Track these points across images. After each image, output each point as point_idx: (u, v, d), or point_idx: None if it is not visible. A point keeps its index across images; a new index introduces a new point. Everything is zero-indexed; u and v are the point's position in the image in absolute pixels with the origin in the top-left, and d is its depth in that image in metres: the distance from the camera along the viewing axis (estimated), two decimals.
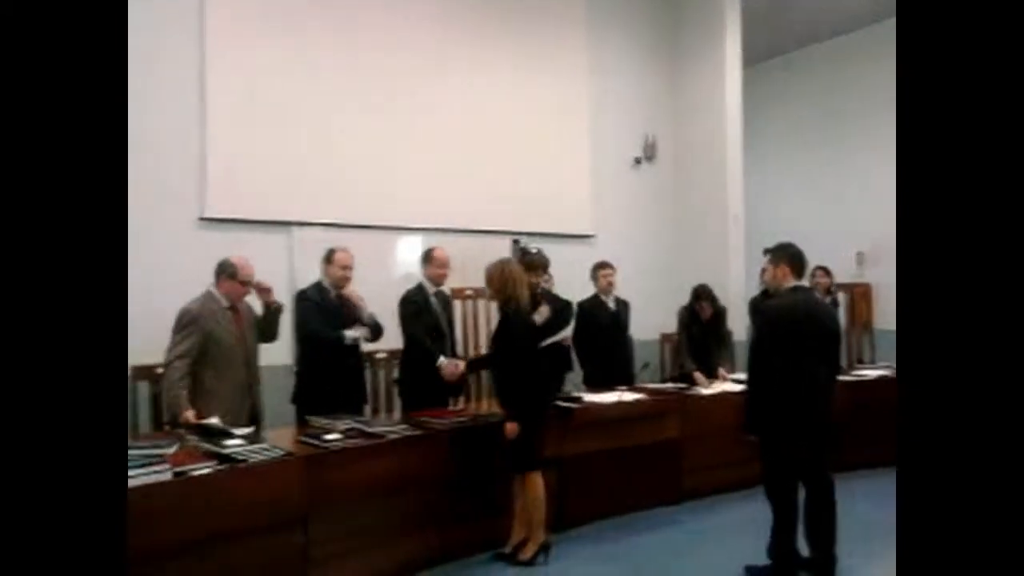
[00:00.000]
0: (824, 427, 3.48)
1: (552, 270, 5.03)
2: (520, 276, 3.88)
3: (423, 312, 4.40)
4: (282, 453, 3.15)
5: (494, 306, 3.96)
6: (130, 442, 3.31)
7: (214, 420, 3.41)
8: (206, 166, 4.88)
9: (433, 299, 4.48)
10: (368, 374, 4.59)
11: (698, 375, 5.27)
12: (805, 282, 3.72)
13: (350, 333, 4.14)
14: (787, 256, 3.61)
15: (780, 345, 3.44)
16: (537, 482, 3.73)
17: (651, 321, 6.15)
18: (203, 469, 2.89)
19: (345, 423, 3.64)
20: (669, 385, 5.29)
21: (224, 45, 4.97)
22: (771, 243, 3.79)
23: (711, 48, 7.22)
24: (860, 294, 7.70)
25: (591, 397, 4.62)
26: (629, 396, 4.73)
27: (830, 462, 3.51)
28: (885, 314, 7.46)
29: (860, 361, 7.06)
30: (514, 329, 3.78)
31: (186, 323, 3.64)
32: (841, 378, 3.61)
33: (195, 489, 2.83)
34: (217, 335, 3.69)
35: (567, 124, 6.74)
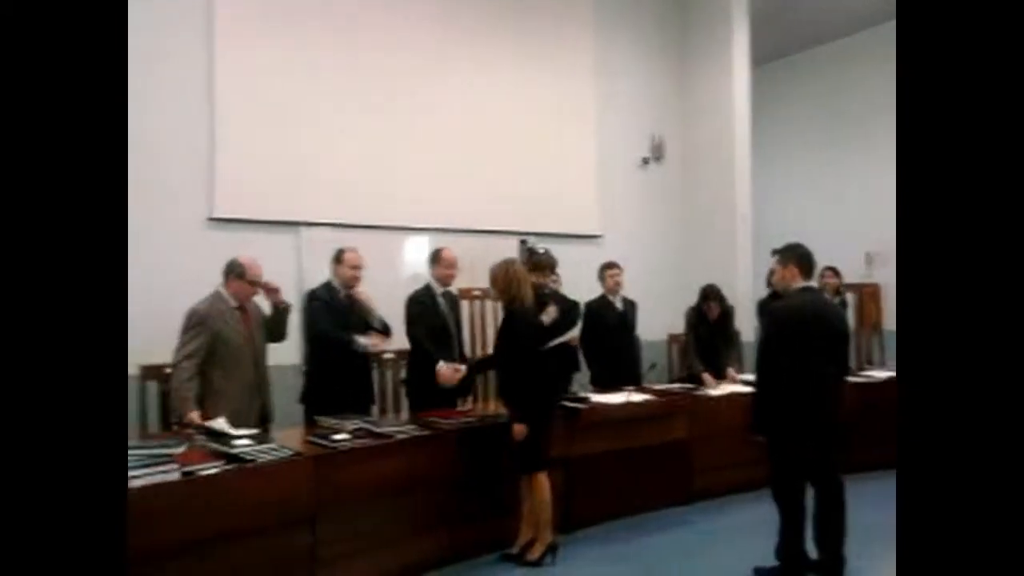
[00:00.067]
0: (832, 428, 3.46)
1: (559, 270, 5.03)
2: (524, 276, 3.88)
3: (429, 313, 4.39)
4: (290, 453, 3.15)
5: (501, 306, 3.95)
6: (138, 442, 3.33)
7: (220, 420, 3.42)
8: (214, 166, 4.89)
9: (441, 299, 4.48)
10: (375, 374, 4.59)
11: (706, 376, 5.25)
12: (814, 283, 3.71)
13: (363, 340, 4.13)
14: (796, 257, 3.59)
15: (788, 345, 3.43)
16: (543, 483, 3.73)
17: (659, 321, 6.14)
18: (211, 469, 2.89)
19: (353, 423, 3.64)
20: (677, 386, 5.28)
21: (232, 46, 4.98)
22: (779, 243, 3.78)
23: (719, 48, 7.21)
24: (869, 295, 7.67)
25: (599, 397, 4.61)
26: (637, 397, 4.72)
27: (839, 463, 3.49)
28: (894, 315, 7.42)
29: (869, 362, 7.03)
30: (518, 329, 3.77)
31: (194, 323, 3.65)
32: (850, 379, 3.60)
33: (203, 489, 2.83)
34: (225, 335, 3.70)
35: (574, 124, 6.74)
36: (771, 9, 7.44)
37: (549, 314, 4.59)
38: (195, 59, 4.88)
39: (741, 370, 5.49)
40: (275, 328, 4.04)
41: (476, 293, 5.57)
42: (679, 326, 5.83)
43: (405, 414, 4.33)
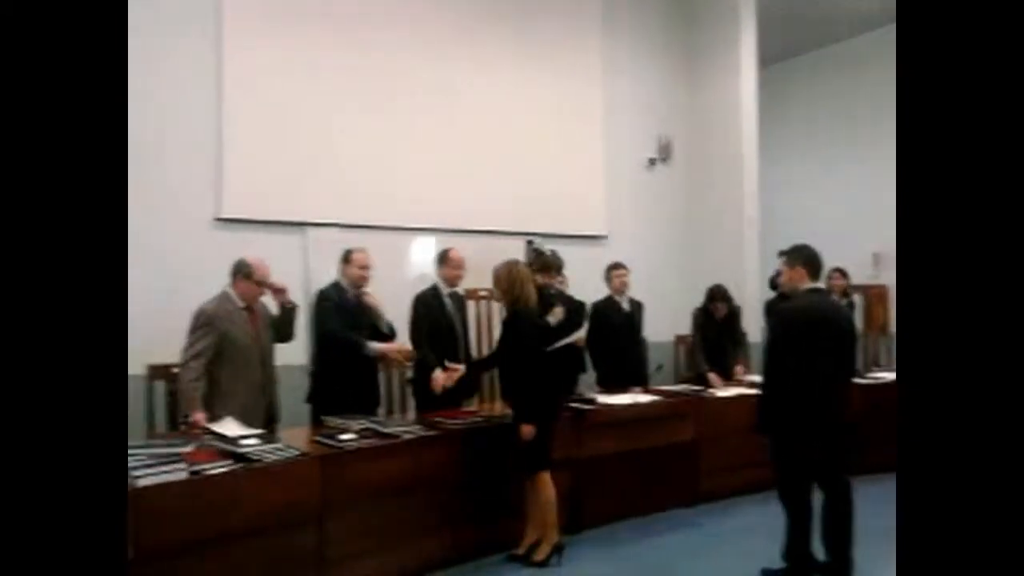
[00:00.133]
0: (839, 429, 3.45)
1: (566, 271, 5.03)
2: (527, 277, 3.88)
3: (434, 314, 4.38)
4: (297, 453, 3.16)
5: (503, 307, 3.96)
6: (146, 441, 3.35)
7: (229, 421, 3.43)
8: (222, 167, 4.91)
9: (447, 300, 4.47)
10: (382, 375, 4.59)
11: (712, 376, 5.25)
12: (821, 284, 3.70)
13: (375, 346, 4.15)
14: (803, 258, 3.59)
15: (795, 347, 3.42)
16: (547, 483, 3.73)
17: (665, 323, 6.13)
18: (219, 468, 2.90)
19: (360, 423, 3.64)
20: (683, 387, 5.27)
21: (239, 48, 5.00)
22: (787, 244, 3.77)
23: (726, 48, 7.19)
24: (876, 296, 7.65)
25: (605, 398, 4.61)
26: (644, 398, 4.71)
27: (847, 465, 3.48)
28: None
29: (876, 363, 7.00)
30: (522, 330, 3.77)
31: (202, 323, 3.66)
32: (857, 380, 3.59)
33: (211, 488, 2.84)
34: (233, 335, 3.71)
35: (581, 125, 6.74)
36: (779, 9, 7.41)
37: (555, 315, 4.59)
38: (203, 60, 4.89)
39: (748, 370, 5.48)
40: (282, 328, 4.05)
41: (483, 294, 5.57)
42: (686, 327, 5.82)
43: (411, 414, 4.34)
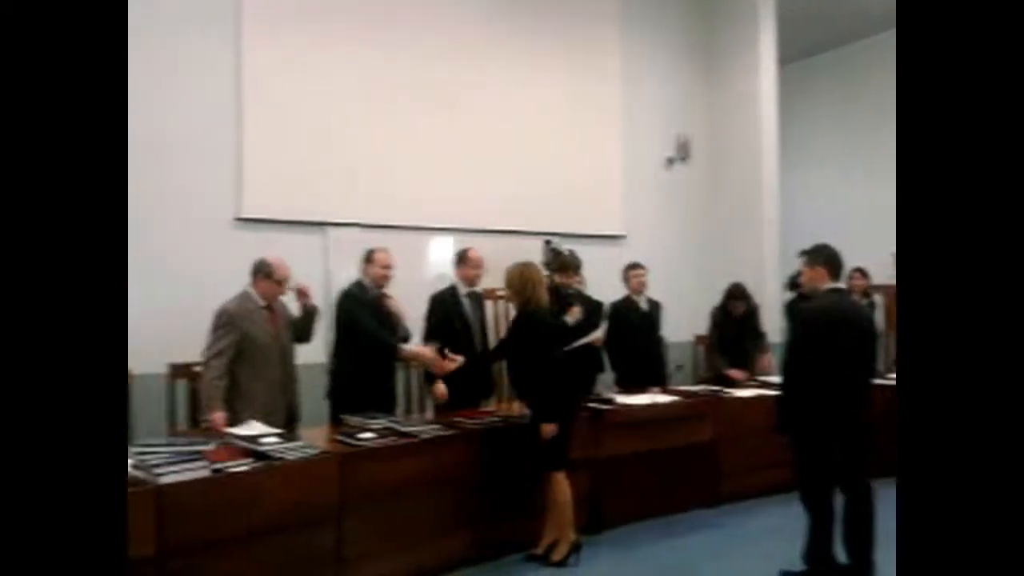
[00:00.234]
0: (860, 430, 3.42)
1: (584, 271, 5.02)
2: (540, 279, 3.87)
3: (451, 313, 4.39)
4: (317, 451, 3.18)
5: (514, 307, 3.95)
6: (168, 438, 3.38)
7: (251, 424, 3.44)
8: (242, 167, 4.95)
9: (465, 299, 4.48)
10: (400, 374, 4.61)
11: (733, 371, 5.24)
12: (842, 284, 3.67)
13: (409, 349, 4.17)
14: (823, 258, 3.56)
15: (816, 347, 3.39)
16: (562, 483, 3.72)
17: (684, 323, 6.11)
18: (240, 466, 2.92)
19: (379, 422, 3.66)
20: (702, 387, 5.25)
21: (259, 48, 5.03)
22: (807, 244, 3.75)
23: (746, 47, 7.15)
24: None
25: (624, 399, 4.60)
26: (662, 398, 4.70)
27: (868, 466, 3.45)
28: None
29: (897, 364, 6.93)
30: (534, 330, 3.77)
31: (223, 322, 3.69)
32: (876, 381, 3.56)
33: (232, 486, 2.87)
34: (253, 334, 3.73)
35: (600, 124, 6.73)
36: (798, 8, 7.37)
37: (574, 315, 4.59)
38: (222, 61, 4.93)
39: (770, 365, 5.46)
40: (302, 330, 4.07)
41: (500, 293, 5.56)
42: (704, 327, 5.80)
43: (430, 413, 4.35)
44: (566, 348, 4.23)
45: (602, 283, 5.35)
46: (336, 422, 3.95)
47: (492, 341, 4.67)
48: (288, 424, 3.77)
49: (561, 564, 3.69)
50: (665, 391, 4.92)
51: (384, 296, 4.23)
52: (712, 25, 7.45)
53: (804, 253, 3.73)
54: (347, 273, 4.49)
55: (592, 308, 4.89)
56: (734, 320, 5.46)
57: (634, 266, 5.41)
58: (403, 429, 3.59)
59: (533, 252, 5.23)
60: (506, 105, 6.13)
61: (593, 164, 6.64)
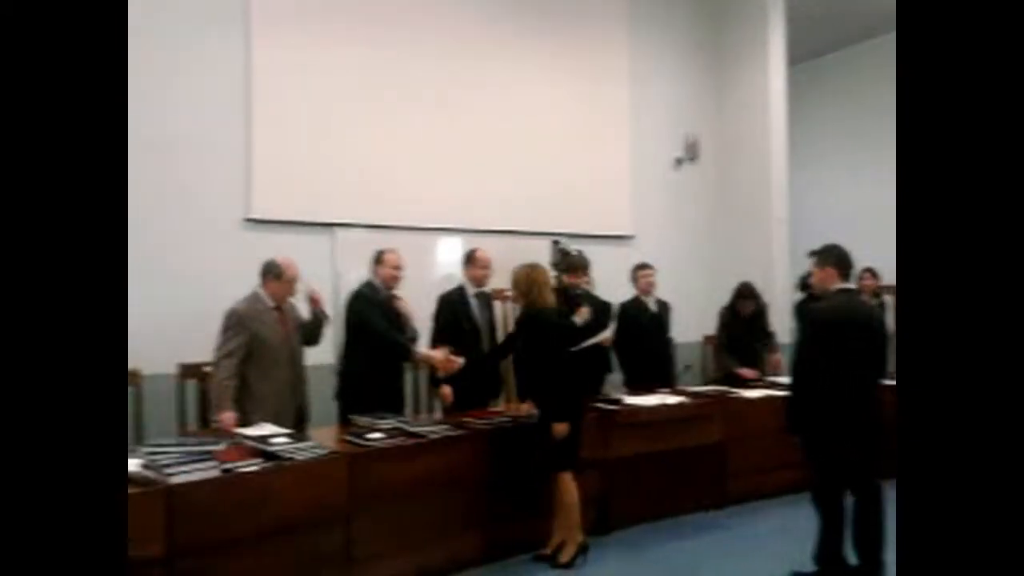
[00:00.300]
0: (870, 431, 3.41)
1: (592, 271, 5.02)
2: (546, 281, 3.86)
3: (455, 314, 4.39)
4: (326, 452, 3.18)
5: (519, 307, 3.95)
6: (178, 438, 3.39)
7: (262, 426, 3.45)
8: (251, 168, 4.96)
9: (473, 300, 4.48)
10: (409, 375, 4.61)
11: (745, 370, 5.22)
12: (852, 284, 3.65)
13: (422, 352, 4.17)
14: (834, 258, 3.55)
15: (826, 348, 3.38)
16: (569, 484, 3.72)
17: (693, 323, 6.10)
18: (250, 466, 2.94)
19: (388, 422, 3.66)
20: (711, 388, 5.23)
21: (268, 49, 5.05)
22: (817, 244, 3.73)
23: (755, 46, 7.13)
24: None
25: (632, 399, 4.59)
26: (671, 398, 4.69)
27: (879, 467, 3.44)
28: None
29: None
30: (540, 331, 3.76)
31: (233, 323, 3.70)
32: (886, 382, 3.54)
33: (241, 486, 2.88)
34: (263, 335, 3.75)
35: (608, 124, 6.72)
36: (807, 8, 7.34)
37: (582, 315, 4.58)
38: (232, 62, 4.95)
39: (779, 365, 5.45)
40: (310, 334, 4.09)
41: (509, 294, 5.57)
42: (713, 328, 5.78)
43: (438, 414, 4.35)
44: (574, 348, 4.22)
45: (610, 283, 5.34)
46: (345, 422, 3.96)
47: (500, 341, 4.66)
48: (297, 425, 3.78)
49: (568, 566, 3.68)
50: (673, 392, 4.90)
51: (394, 297, 4.24)
52: (721, 24, 7.43)
53: (813, 253, 3.71)
54: (356, 274, 4.50)
55: (600, 308, 4.88)
56: (743, 320, 5.44)
57: (643, 266, 5.40)
58: (412, 429, 3.59)
59: (541, 252, 5.23)
60: (514, 106, 6.14)
61: (601, 164, 6.64)
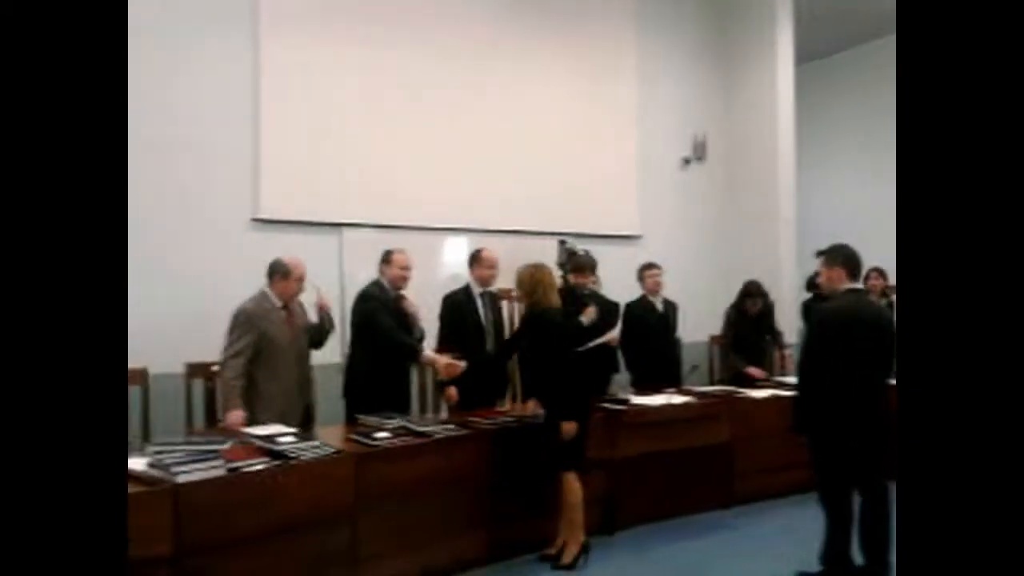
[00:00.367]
0: (877, 431, 3.40)
1: (599, 271, 5.01)
2: (550, 281, 3.86)
3: (461, 314, 4.39)
4: (332, 451, 3.19)
5: (523, 306, 3.95)
6: (185, 437, 3.40)
7: (276, 427, 3.46)
8: (259, 168, 4.98)
9: (479, 300, 4.48)
10: (415, 374, 4.62)
11: (753, 369, 5.21)
12: (860, 284, 3.64)
13: (429, 355, 4.16)
14: (841, 258, 3.54)
15: (834, 347, 3.37)
16: (572, 484, 3.71)
17: (700, 323, 6.07)
18: (256, 465, 2.94)
19: (394, 422, 3.67)
20: (718, 388, 5.22)
21: (276, 49, 5.06)
22: (824, 244, 3.72)
23: (763, 46, 7.11)
24: None
25: (639, 399, 4.58)
26: (677, 398, 4.68)
27: (886, 467, 3.42)
28: None
29: None
30: (545, 330, 3.76)
31: (241, 322, 3.72)
32: (892, 382, 3.53)
33: (248, 485, 2.89)
34: (271, 334, 3.76)
35: (615, 124, 6.71)
36: (815, 7, 7.31)
37: (589, 315, 4.58)
38: (239, 62, 4.96)
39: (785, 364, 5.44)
40: (316, 338, 4.10)
41: (515, 294, 5.57)
42: (720, 328, 5.77)
43: (444, 413, 4.35)
44: (581, 348, 4.22)
45: (617, 283, 5.33)
46: (351, 422, 3.97)
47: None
48: (304, 424, 3.79)
49: (570, 567, 3.68)
50: (680, 392, 4.90)
51: (401, 297, 4.24)
52: (729, 24, 7.41)
53: (821, 253, 3.70)
54: (364, 274, 4.50)
55: (607, 308, 4.87)
56: (749, 318, 5.43)
57: (650, 266, 5.39)
58: (418, 429, 3.59)
59: (548, 252, 5.22)
60: (522, 105, 6.13)
61: (609, 164, 6.63)
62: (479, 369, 4.16)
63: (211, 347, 3.81)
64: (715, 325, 5.93)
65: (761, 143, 7.11)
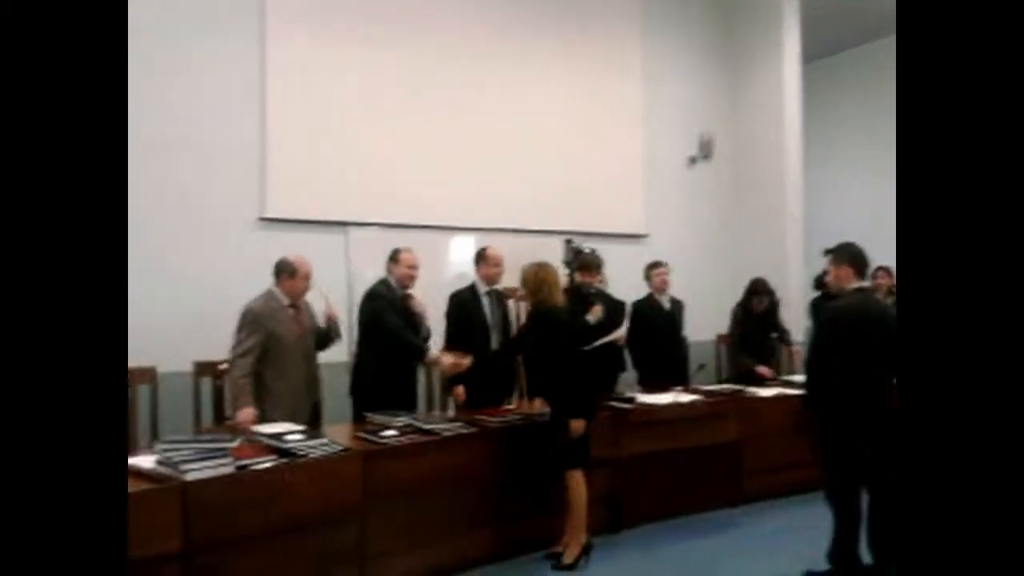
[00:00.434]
0: (885, 429, 3.39)
1: (605, 270, 5.01)
2: (555, 280, 3.86)
3: (466, 312, 4.39)
4: (340, 449, 3.20)
5: (528, 305, 3.95)
6: (193, 435, 3.42)
7: (284, 425, 3.47)
8: (265, 167, 4.99)
9: (484, 298, 4.49)
10: (422, 373, 4.62)
11: (761, 368, 5.20)
12: (867, 283, 3.63)
13: (434, 354, 4.17)
14: (849, 256, 3.53)
15: (841, 346, 3.37)
16: (577, 482, 3.71)
17: (707, 321, 6.08)
18: (264, 463, 2.95)
19: (401, 420, 3.67)
20: (725, 386, 5.21)
21: (282, 48, 5.07)
22: (832, 242, 3.72)
23: (769, 44, 7.10)
24: None
25: (646, 398, 4.58)
26: (684, 397, 4.67)
27: (894, 466, 3.42)
28: None
29: None
30: (551, 329, 3.76)
31: (249, 321, 3.73)
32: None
33: (256, 482, 2.90)
34: (279, 333, 3.77)
35: (621, 123, 6.71)
36: (822, 5, 7.29)
37: (595, 314, 4.58)
38: (246, 61, 4.97)
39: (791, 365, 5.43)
40: (321, 341, 4.11)
41: (521, 292, 5.57)
42: (727, 326, 5.76)
43: (451, 411, 4.36)
44: (587, 347, 4.21)
45: (624, 282, 5.33)
46: (359, 420, 3.98)
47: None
48: (312, 422, 3.80)
49: (571, 567, 3.67)
50: (687, 390, 4.89)
51: (408, 296, 4.25)
52: (735, 22, 7.40)
53: (829, 252, 3.70)
54: (371, 273, 4.51)
55: (614, 307, 4.87)
56: (756, 316, 5.42)
57: (656, 265, 5.38)
58: (425, 427, 3.60)
59: (554, 251, 5.23)
60: (528, 105, 6.14)
61: (615, 163, 6.63)
62: (484, 366, 4.16)
63: (219, 346, 3.82)
64: (722, 324, 5.93)
65: (768, 141, 7.10)
